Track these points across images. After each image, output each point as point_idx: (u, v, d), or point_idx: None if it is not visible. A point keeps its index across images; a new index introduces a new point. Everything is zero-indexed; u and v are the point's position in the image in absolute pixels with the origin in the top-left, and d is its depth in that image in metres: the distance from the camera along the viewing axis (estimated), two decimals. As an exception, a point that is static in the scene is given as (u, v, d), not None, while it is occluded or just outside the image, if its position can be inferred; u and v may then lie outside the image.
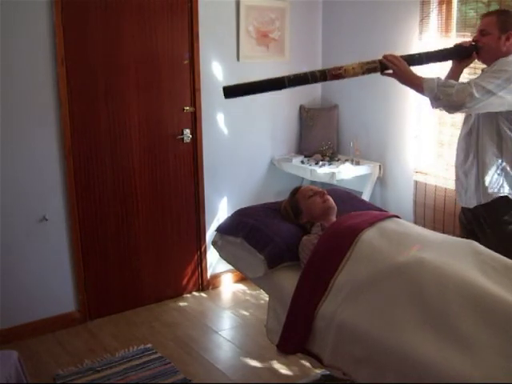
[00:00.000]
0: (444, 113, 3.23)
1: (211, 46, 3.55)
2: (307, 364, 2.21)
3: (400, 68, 2.43)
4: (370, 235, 2.07)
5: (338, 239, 2.10)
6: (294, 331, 2.03)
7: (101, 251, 3.35)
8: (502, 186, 2.48)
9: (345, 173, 3.61)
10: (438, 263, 1.81)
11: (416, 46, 3.31)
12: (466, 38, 3.00)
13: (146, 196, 3.46)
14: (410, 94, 3.45)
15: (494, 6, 2.87)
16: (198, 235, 3.73)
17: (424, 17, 3.21)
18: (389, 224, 2.18)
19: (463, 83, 2.40)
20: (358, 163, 3.73)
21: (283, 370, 2.82)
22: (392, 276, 1.84)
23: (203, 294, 3.77)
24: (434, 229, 3.04)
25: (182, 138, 3.53)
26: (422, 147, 3.38)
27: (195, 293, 3.78)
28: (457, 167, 2.66)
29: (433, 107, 2.49)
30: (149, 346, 3.05)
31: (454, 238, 2.14)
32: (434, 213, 3.31)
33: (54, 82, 3.02)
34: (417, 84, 2.45)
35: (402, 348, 1.64)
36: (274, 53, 3.82)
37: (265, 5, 3.70)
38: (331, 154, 3.88)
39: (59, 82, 3.02)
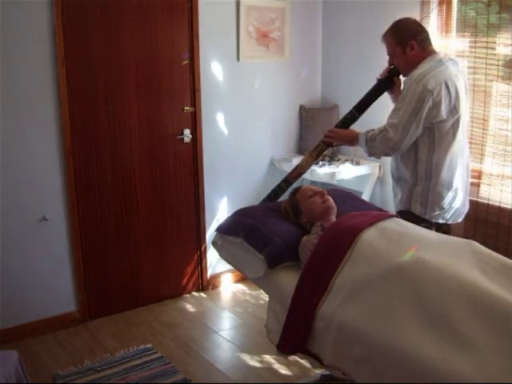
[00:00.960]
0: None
1: (211, 46, 3.55)
2: (307, 364, 2.22)
3: (338, 138, 2.69)
4: (369, 235, 2.06)
5: (337, 239, 2.09)
6: (294, 331, 2.03)
7: (101, 251, 3.36)
8: (408, 203, 2.59)
9: (345, 173, 3.61)
10: (438, 263, 1.81)
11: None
12: (466, 37, 3.02)
13: (146, 196, 3.46)
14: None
15: (494, 6, 2.87)
16: (198, 235, 3.73)
17: (424, 17, 3.21)
18: (389, 224, 2.18)
19: (381, 131, 2.50)
20: (357, 163, 3.73)
21: (283, 370, 2.82)
22: (392, 276, 1.84)
23: (203, 294, 3.77)
24: (434, 229, 3.04)
25: (182, 138, 3.53)
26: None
27: (195, 293, 3.78)
28: None
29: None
30: (149, 346, 3.05)
31: (454, 238, 2.14)
32: (433, 213, 3.30)
33: (54, 82, 3.02)
34: (356, 144, 2.65)
35: (401, 348, 1.64)
36: (274, 53, 3.82)
37: (265, 5, 3.70)
38: (331, 154, 3.88)
39: (59, 82, 3.02)
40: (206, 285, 3.82)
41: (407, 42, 2.51)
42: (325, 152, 2.75)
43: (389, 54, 2.63)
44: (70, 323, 3.28)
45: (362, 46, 3.74)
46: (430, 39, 2.57)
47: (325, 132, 2.70)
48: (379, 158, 2.64)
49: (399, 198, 2.65)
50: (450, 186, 2.53)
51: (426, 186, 2.53)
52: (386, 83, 2.69)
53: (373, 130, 2.56)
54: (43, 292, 3.17)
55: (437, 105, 2.41)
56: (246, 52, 3.68)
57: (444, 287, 1.72)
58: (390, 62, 2.65)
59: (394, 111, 2.51)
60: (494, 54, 2.90)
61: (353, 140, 2.64)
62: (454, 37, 3.12)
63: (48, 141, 3.07)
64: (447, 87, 2.43)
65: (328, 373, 2.25)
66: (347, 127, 2.68)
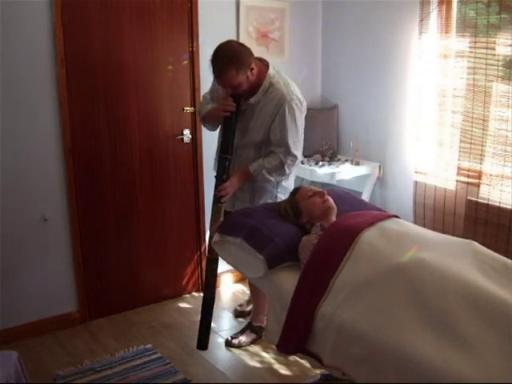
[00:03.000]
0: (444, 113, 3.25)
1: (211, 46, 3.53)
2: (307, 364, 2.22)
3: (233, 187, 2.66)
4: (369, 235, 2.07)
5: (337, 239, 2.10)
6: (294, 331, 2.03)
7: (101, 251, 3.36)
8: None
9: (345, 173, 3.61)
10: (438, 263, 1.82)
11: (416, 46, 3.31)
12: (466, 38, 3.01)
13: (145, 196, 3.46)
14: (410, 94, 3.46)
15: (494, 7, 2.86)
16: (197, 235, 3.73)
17: (424, 17, 3.21)
18: (389, 224, 2.18)
19: (280, 157, 2.66)
20: (357, 163, 3.73)
21: (283, 370, 2.82)
22: (392, 276, 1.84)
23: (203, 295, 3.76)
24: (434, 229, 3.03)
25: (182, 138, 3.53)
26: (422, 147, 3.38)
27: (195, 293, 3.78)
28: None
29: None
30: (149, 346, 3.05)
31: (454, 238, 2.14)
32: (433, 213, 3.31)
33: (53, 82, 3.02)
34: (253, 178, 2.70)
35: (401, 348, 1.64)
36: (273, 53, 3.82)
37: (265, 5, 3.70)
38: (331, 154, 3.89)
39: (59, 83, 3.02)
40: (206, 285, 3.82)
41: (248, 67, 2.52)
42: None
43: (231, 86, 2.54)
44: (70, 323, 3.28)
45: (361, 45, 3.75)
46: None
47: (216, 194, 2.65)
48: (288, 177, 2.80)
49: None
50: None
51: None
52: (237, 114, 2.63)
53: (264, 160, 2.68)
54: (43, 292, 3.17)
55: (304, 108, 2.72)
56: (245, 52, 3.68)
57: (444, 287, 1.72)
58: (231, 93, 2.58)
59: (288, 136, 2.63)
60: (494, 55, 2.90)
61: (247, 177, 2.70)
62: (453, 37, 3.11)
63: (48, 141, 3.07)
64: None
65: (328, 373, 2.25)
66: (228, 173, 2.65)
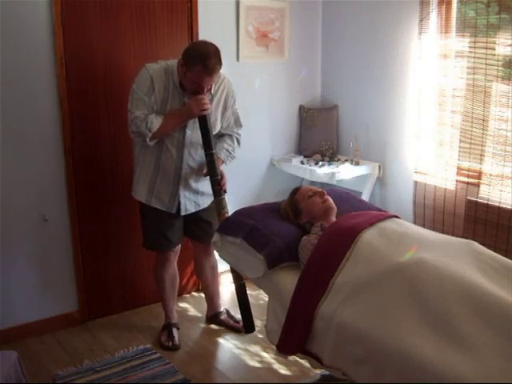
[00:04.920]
0: (444, 113, 3.25)
1: (211, 46, 3.54)
2: (307, 364, 2.21)
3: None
4: (369, 235, 2.07)
5: (337, 239, 2.10)
6: (294, 331, 2.03)
7: (101, 251, 3.35)
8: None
9: (344, 173, 3.61)
10: (438, 263, 1.82)
11: (415, 46, 3.31)
12: (466, 38, 3.01)
13: (145, 196, 3.46)
14: (410, 94, 3.46)
15: (494, 7, 2.87)
16: (197, 235, 3.72)
17: (424, 17, 3.21)
18: (389, 224, 2.19)
19: (236, 136, 2.96)
20: (357, 163, 3.73)
21: (283, 370, 2.83)
22: (392, 276, 1.84)
23: (202, 295, 3.76)
24: (434, 229, 3.04)
25: (182, 138, 3.53)
26: (421, 147, 3.38)
27: (194, 293, 3.78)
28: None
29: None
30: (149, 346, 3.05)
31: (454, 238, 2.14)
32: (433, 213, 3.31)
33: (53, 82, 3.02)
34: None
35: (401, 348, 1.64)
36: (273, 53, 3.82)
37: (264, 5, 3.70)
38: (331, 154, 3.89)
39: (59, 82, 3.02)
40: (206, 285, 3.82)
41: None
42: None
43: (211, 83, 2.68)
44: (70, 323, 3.28)
45: (361, 45, 3.75)
46: None
47: (219, 188, 2.77)
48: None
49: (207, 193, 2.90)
50: None
51: None
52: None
53: (223, 144, 2.90)
54: (43, 292, 3.17)
55: None
56: (245, 52, 3.68)
57: (444, 287, 1.72)
58: (206, 90, 2.66)
59: (238, 113, 2.93)
60: (494, 55, 2.90)
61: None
62: (453, 37, 3.11)
63: (48, 141, 3.06)
64: None
65: (328, 373, 2.25)
66: (215, 167, 2.75)
